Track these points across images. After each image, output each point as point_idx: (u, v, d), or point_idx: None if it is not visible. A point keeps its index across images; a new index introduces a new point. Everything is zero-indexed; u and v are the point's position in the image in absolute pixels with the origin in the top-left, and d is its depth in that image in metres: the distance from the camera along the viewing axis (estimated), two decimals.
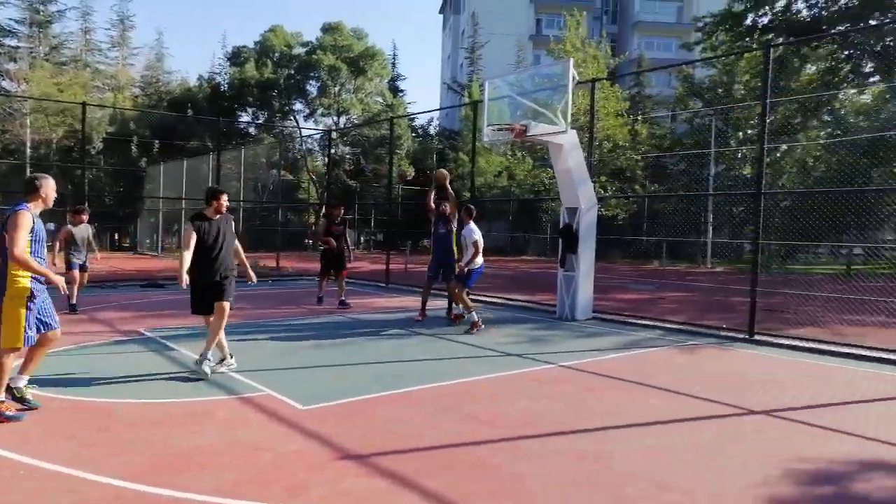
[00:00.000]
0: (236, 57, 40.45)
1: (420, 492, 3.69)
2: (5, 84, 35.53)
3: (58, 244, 10.38)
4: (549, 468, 4.10)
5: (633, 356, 7.87)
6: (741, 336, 9.11)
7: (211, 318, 6.33)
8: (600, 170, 29.12)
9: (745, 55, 23.80)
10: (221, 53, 46.08)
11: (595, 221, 10.88)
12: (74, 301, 10.30)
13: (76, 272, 10.37)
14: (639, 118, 31.91)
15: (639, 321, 10.50)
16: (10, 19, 41.27)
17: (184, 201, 28.77)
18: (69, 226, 10.50)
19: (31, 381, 5.30)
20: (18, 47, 38.59)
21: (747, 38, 23.85)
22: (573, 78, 9.82)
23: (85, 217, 10.68)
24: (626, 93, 34.66)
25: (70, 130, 31.01)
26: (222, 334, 6.37)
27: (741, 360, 7.73)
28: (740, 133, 29.07)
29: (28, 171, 31.36)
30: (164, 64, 44.28)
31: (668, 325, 10.15)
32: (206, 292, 6.29)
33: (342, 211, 12.15)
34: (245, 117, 40.72)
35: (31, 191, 5.04)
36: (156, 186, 31.08)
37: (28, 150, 31.54)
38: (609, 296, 14.31)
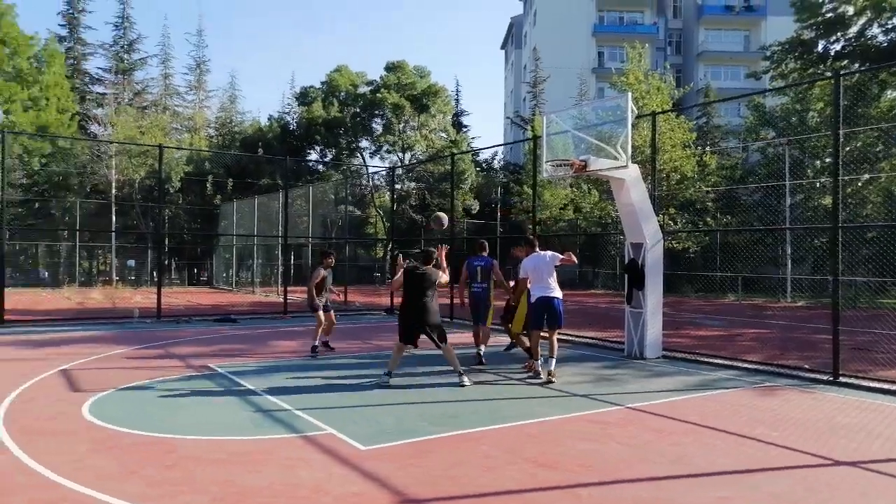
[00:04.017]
0: (304, 97, 41.93)
1: None
2: (94, 128, 37.94)
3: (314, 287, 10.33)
4: None
5: (705, 398, 7.53)
6: (825, 377, 8.59)
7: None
8: (668, 202, 28.47)
9: (818, 83, 22.95)
10: (290, 94, 47.91)
11: (661, 256, 10.58)
12: (317, 343, 10.32)
13: (321, 313, 10.36)
14: (707, 149, 31.13)
15: (712, 360, 10.07)
16: (98, 68, 44.32)
17: (255, 238, 29.76)
18: (321, 269, 10.42)
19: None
20: (105, 94, 41.23)
21: (820, 66, 23.11)
22: (632, 111, 9.68)
23: (332, 260, 10.64)
24: (693, 123, 33.95)
25: (151, 171, 32.74)
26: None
27: (825, 404, 7.27)
28: (818, 162, 27.94)
29: (114, 209, 33.29)
30: (237, 105, 46.39)
31: (744, 365, 9.69)
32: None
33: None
34: (313, 155, 42.02)
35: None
36: (230, 223, 32.27)
37: (113, 191, 33.41)
38: (681, 332, 13.84)
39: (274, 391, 7.37)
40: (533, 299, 8.55)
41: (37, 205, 34.61)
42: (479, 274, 9.91)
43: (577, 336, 12.59)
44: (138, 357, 9.84)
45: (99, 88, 42.86)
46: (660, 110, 22.93)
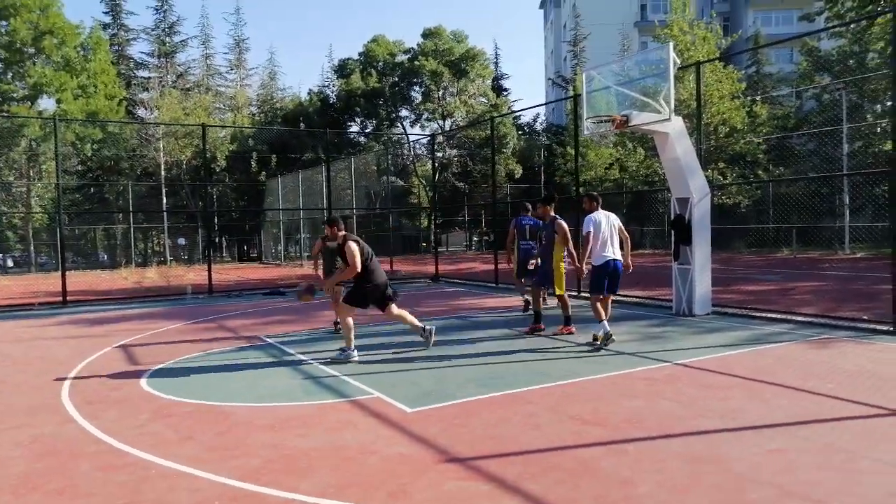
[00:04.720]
0: (342, 69, 41.92)
1: (522, 495, 3.60)
2: (140, 112, 38.80)
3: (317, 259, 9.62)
4: (660, 471, 3.88)
5: (757, 352, 7.35)
6: (885, 328, 8.31)
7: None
8: (717, 156, 27.63)
9: (879, 20, 21.69)
10: (329, 66, 48.12)
11: (709, 211, 10.29)
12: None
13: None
14: (757, 98, 29.96)
15: (764, 315, 9.84)
16: (142, 52, 45.20)
17: (301, 212, 30.20)
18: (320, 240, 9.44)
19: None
20: (150, 78, 42.05)
21: (880, 1, 21.84)
22: (674, 62, 9.34)
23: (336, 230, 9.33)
24: (742, 73, 32.65)
25: (197, 151, 33.43)
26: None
27: (883, 355, 7.02)
28: (878, 106, 26.61)
29: (164, 191, 34.18)
30: (277, 81, 46.73)
31: (799, 318, 9.44)
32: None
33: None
34: (354, 127, 42.12)
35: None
36: (275, 199, 32.81)
37: (162, 172, 34.25)
38: (731, 288, 13.55)
39: (322, 359, 7.51)
40: (597, 262, 7.94)
41: (91, 190, 35.82)
42: (527, 232, 10.52)
43: (624, 296, 12.41)
44: (192, 331, 10.15)
45: (143, 73, 43.82)
46: (704, 60, 22.08)
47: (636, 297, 12.34)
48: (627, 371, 6.55)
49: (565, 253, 8.76)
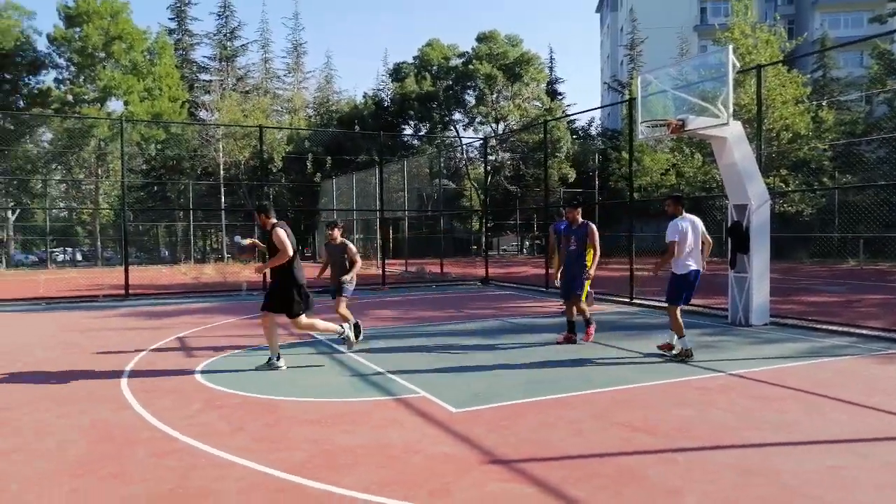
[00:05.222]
0: (397, 73, 42.31)
1: (566, 500, 3.56)
2: (202, 114, 40.02)
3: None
4: (709, 483, 3.77)
5: (817, 365, 7.08)
6: None
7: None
8: (779, 163, 26.74)
9: None
10: (384, 70, 48.70)
11: (768, 218, 9.97)
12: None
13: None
14: (823, 103, 28.87)
15: (826, 327, 9.46)
16: (204, 56, 46.68)
17: (355, 213, 30.60)
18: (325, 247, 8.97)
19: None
20: (211, 81, 43.33)
21: None
22: (733, 65, 9.08)
23: (336, 233, 8.71)
24: (808, 77, 31.52)
25: (255, 152, 34.27)
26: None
27: None
28: None
29: (222, 190, 35.14)
30: (333, 85, 47.54)
31: (863, 332, 9.03)
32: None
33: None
34: (408, 130, 42.44)
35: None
36: (329, 199, 33.32)
37: (221, 172, 35.22)
38: (792, 298, 13.08)
39: (372, 357, 7.59)
40: (680, 271, 7.45)
41: (155, 188, 37.16)
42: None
43: None
44: (245, 326, 10.40)
45: (205, 76, 45.21)
46: (765, 63, 21.42)
47: (691, 304, 12.01)
48: (680, 380, 6.40)
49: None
